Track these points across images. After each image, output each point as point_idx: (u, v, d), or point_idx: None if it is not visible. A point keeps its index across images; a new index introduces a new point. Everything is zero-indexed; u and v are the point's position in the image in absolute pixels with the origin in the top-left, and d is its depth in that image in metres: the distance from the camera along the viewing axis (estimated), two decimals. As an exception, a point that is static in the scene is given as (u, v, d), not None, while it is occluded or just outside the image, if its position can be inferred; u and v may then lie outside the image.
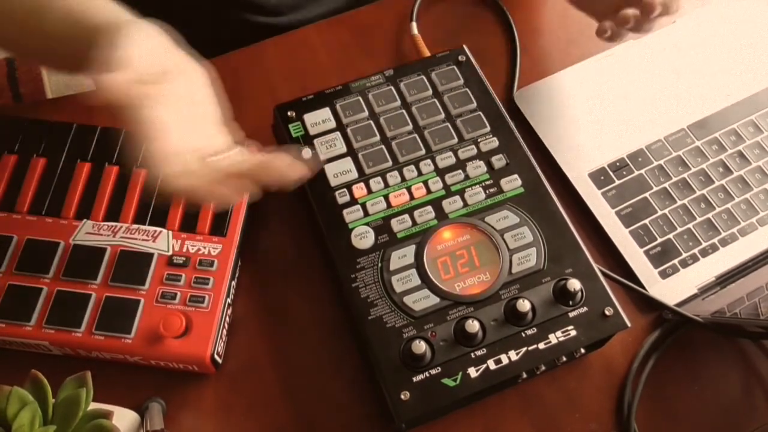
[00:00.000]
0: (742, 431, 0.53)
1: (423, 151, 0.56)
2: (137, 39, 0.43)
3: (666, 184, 0.61)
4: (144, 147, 0.41)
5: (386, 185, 0.54)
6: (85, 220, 0.53)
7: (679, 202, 0.61)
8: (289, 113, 0.57)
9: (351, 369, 0.53)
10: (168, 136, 0.42)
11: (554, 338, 0.49)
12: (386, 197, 0.54)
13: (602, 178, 0.62)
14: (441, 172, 0.55)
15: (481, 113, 0.58)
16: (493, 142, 0.56)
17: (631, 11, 0.55)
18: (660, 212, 0.60)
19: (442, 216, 0.53)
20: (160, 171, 0.41)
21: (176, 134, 0.43)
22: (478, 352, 0.48)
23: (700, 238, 0.59)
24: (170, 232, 0.53)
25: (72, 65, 0.48)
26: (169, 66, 0.45)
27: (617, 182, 0.61)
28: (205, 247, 0.53)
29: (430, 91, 0.58)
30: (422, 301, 0.50)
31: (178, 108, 0.44)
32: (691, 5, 0.70)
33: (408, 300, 0.50)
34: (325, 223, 0.53)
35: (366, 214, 0.53)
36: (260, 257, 0.57)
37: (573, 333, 0.49)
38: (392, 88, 0.58)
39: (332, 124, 0.57)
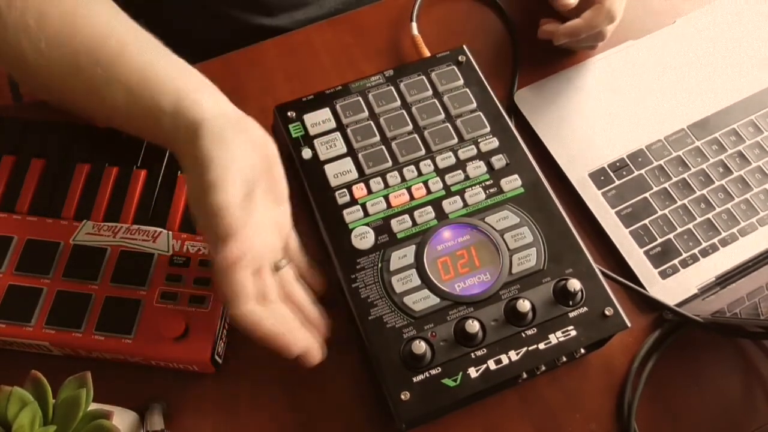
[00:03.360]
0: (742, 431, 0.53)
1: (423, 152, 0.56)
2: (229, 149, 0.43)
3: (666, 184, 0.61)
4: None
5: (386, 185, 0.54)
6: (85, 220, 0.53)
7: (679, 202, 0.61)
8: (289, 113, 0.57)
9: (351, 369, 0.53)
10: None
11: (554, 338, 0.49)
12: (386, 197, 0.54)
13: (602, 178, 0.62)
14: (441, 173, 0.55)
15: (481, 113, 0.58)
16: (493, 143, 0.56)
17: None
18: (660, 212, 0.60)
19: (442, 216, 0.53)
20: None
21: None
22: (479, 353, 0.48)
23: (700, 239, 0.59)
24: (170, 233, 0.53)
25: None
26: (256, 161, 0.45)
27: (617, 182, 0.61)
28: (205, 248, 0.53)
29: (430, 92, 0.58)
30: (422, 301, 0.50)
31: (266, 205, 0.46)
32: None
33: (408, 300, 0.50)
34: (325, 224, 0.53)
35: (366, 214, 0.53)
36: (260, 257, 0.57)
37: (573, 333, 0.49)
38: (392, 88, 0.58)
39: (332, 124, 0.57)
